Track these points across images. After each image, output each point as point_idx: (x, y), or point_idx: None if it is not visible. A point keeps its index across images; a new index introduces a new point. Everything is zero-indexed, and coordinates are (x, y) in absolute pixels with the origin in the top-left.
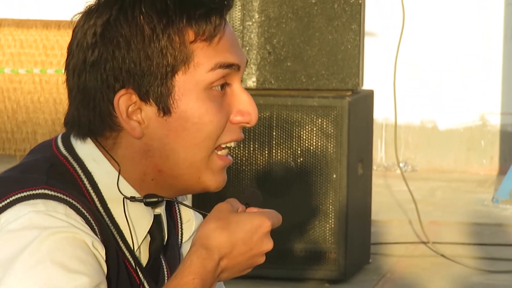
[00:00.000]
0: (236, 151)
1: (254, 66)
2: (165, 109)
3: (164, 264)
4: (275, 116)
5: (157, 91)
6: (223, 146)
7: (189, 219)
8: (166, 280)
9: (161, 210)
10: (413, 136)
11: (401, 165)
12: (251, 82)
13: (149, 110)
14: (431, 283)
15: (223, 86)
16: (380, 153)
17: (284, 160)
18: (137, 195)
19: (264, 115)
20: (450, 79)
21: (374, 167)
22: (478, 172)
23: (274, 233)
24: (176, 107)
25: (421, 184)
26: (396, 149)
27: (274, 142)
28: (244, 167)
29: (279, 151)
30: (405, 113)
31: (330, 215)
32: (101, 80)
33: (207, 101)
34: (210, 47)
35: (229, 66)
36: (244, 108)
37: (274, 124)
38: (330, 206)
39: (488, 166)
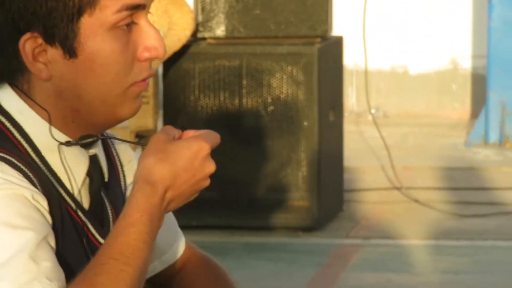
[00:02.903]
0: (207, 100)
1: (222, 15)
2: (70, 52)
3: (108, 204)
4: (244, 64)
5: (62, 34)
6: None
7: (130, 160)
8: (111, 220)
9: (96, 150)
10: (384, 82)
11: (372, 111)
12: (220, 31)
13: (55, 53)
14: (405, 229)
15: (129, 24)
16: (352, 99)
17: (254, 109)
18: (68, 139)
19: (234, 64)
20: (420, 24)
21: (346, 114)
22: (450, 116)
23: (246, 184)
24: (81, 50)
25: (393, 130)
26: (368, 95)
27: (244, 91)
28: (214, 117)
29: (249, 100)
30: (375, 59)
31: (302, 163)
32: (6, 20)
33: (112, 41)
34: None
35: (135, 7)
36: (151, 44)
37: (244, 73)
38: (302, 154)
39: (460, 110)
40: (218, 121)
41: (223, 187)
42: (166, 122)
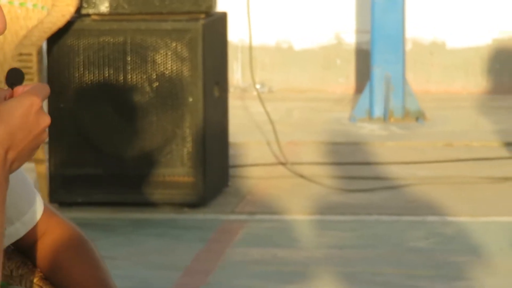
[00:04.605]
0: (91, 77)
1: None
2: None
3: None
4: (129, 41)
5: None
6: None
7: None
8: None
9: None
10: (269, 57)
11: (257, 86)
12: (104, 8)
13: None
14: (290, 204)
15: None
16: (237, 75)
17: (139, 85)
18: None
19: (118, 40)
20: None
21: (231, 89)
22: (335, 91)
23: (132, 160)
24: None
25: (279, 105)
26: (252, 70)
27: (129, 67)
28: (99, 94)
29: (134, 76)
30: (260, 34)
31: (187, 139)
32: None
33: None
34: None
35: None
36: None
37: (129, 49)
38: (187, 130)
39: (345, 85)
40: (103, 97)
41: (108, 164)
42: (50, 99)
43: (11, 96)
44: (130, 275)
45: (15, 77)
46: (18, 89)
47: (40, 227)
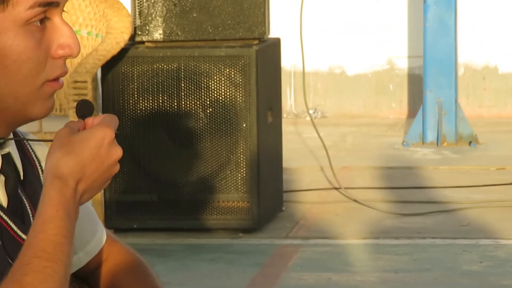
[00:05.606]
0: (146, 104)
1: (160, 18)
2: None
3: (25, 201)
4: (183, 67)
5: None
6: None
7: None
8: (31, 216)
9: (9, 149)
10: (322, 82)
11: (310, 111)
12: (158, 35)
13: None
14: (344, 228)
15: (43, 20)
16: (290, 100)
17: (193, 112)
18: None
19: (172, 67)
20: (356, 24)
21: (284, 115)
22: (388, 116)
23: (186, 186)
24: None
25: (332, 130)
26: (305, 95)
27: (183, 93)
28: (153, 120)
29: (188, 103)
30: (313, 60)
31: (242, 164)
32: None
33: (25, 38)
34: None
35: (48, 4)
36: (64, 42)
37: (182, 76)
38: (241, 156)
39: (398, 110)
40: (157, 124)
41: (163, 190)
42: None
43: (84, 128)
44: None
45: (85, 109)
46: (89, 121)
47: (101, 255)
